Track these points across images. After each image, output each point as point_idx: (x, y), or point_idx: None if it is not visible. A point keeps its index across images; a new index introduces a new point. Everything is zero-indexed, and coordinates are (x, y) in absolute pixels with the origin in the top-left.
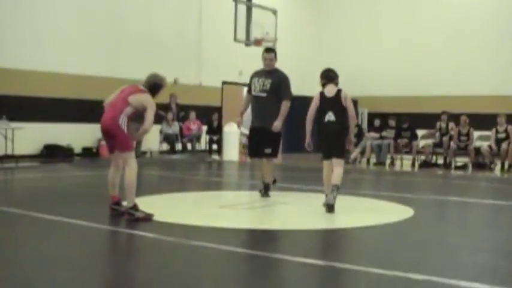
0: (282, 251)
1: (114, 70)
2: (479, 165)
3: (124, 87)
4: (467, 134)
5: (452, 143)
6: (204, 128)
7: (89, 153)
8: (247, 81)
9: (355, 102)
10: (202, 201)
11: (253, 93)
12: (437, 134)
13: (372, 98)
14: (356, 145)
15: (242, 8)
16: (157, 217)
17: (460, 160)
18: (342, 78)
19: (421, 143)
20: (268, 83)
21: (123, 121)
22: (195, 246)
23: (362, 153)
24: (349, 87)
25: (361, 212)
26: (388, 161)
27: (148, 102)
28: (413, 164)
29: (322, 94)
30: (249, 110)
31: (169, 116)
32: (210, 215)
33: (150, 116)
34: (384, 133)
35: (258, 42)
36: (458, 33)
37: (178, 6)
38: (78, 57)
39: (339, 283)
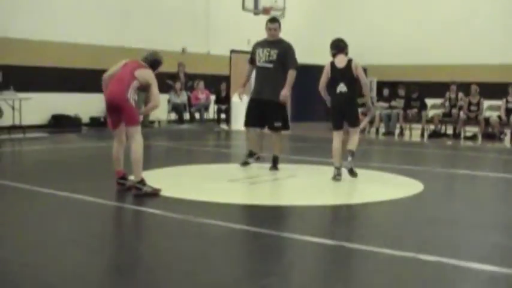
0: (290, 229)
1: (122, 39)
2: (488, 136)
3: (126, 62)
4: (478, 104)
5: (462, 113)
6: (212, 97)
7: (96, 123)
8: None
9: (363, 71)
10: (210, 174)
11: (257, 64)
12: (447, 104)
13: (380, 66)
14: (365, 115)
15: None
16: (165, 192)
17: (470, 130)
18: (351, 46)
19: (431, 113)
20: (274, 53)
21: (130, 95)
22: (203, 224)
23: (371, 122)
24: (358, 56)
25: (370, 187)
26: (397, 131)
27: (153, 78)
28: (422, 134)
29: (332, 64)
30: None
31: (178, 85)
32: (218, 189)
33: (156, 92)
34: (393, 103)
35: (266, 11)
36: (468, 0)
37: None
38: (86, 26)
39: (349, 265)
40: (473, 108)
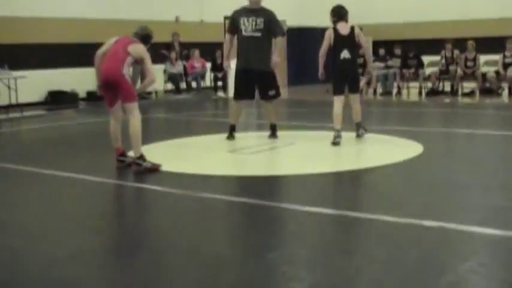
0: (291, 200)
1: (114, 11)
2: (486, 91)
3: (117, 38)
4: (474, 60)
5: (459, 70)
6: (208, 65)
7: (93, 98)
8: None
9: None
10: (209, 146)
11: (244, 33)
12: (443, 62)
13: (376, 25)
14: (362, 75)
15: None
16: (165, 167)
17: (467, 86)
18: (346, 6)
19: (428, 70)
20: (261, 21)
21: (126, 70)
22: (204, 199)
23: (368, 83)
24: (353, 15)
25: (370, 151)
26: (394, 91)
27: (145, 52)
28: (420, 93)
29: (336, 31)
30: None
31: (173, 55)
32: (218, 161)
33: (150, 66)
34: (390, 62)
35: None
36: None
37: None
38: (76, 0)
39: (351, 234)
40: (469, 64)
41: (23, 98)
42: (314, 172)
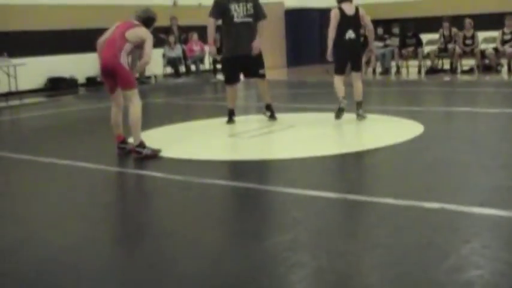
0: (293, 184)
1: None
2: (485, 68)
3: (118, 24)
4: (472, 37)
5: (457, 48)
6: (207, 48)
7: (92, 83)
8: None
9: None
10: (209, 130)
11: (236, 19)
12: (442, 40)
13: (374, 4)
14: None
15: None
16: (165, 152)
17: (466, 64)
18: None
19: (426, 49)
20: (250, 6)
21: (124, 58)
22: (205, 185)
23: (367, 63)
24: None
25: (370, 132)
26: (393, 69)
27: (147, 34)
28: (419, 71)
29: (341, 11)
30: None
31: (171, 39)
32: (218, 146)
33: (148, 47)
34: (388, 41)
35: None
36: None
37: None
38: None
39: (352, 218)
40: (468, 42)
41: (23, 85)
42: (315, 155)
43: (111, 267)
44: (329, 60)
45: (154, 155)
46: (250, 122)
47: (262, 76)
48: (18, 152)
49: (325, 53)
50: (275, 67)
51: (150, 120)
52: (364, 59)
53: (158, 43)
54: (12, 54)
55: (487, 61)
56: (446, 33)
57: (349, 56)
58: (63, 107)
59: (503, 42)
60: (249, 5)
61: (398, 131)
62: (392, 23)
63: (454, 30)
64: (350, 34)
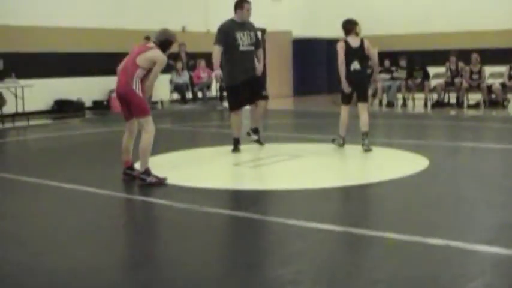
0: (296, 215)
1: (120, 21)
2: (491, 103)
3: (133, 49)
4: (479, 72)
5: (464, 82)
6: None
7: (99, 107)
8: None
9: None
10: (215, 158)
11: (241, 48)
12: (448, 74)
13: (381, 37)
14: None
15: None
16: (171, 180)
17: (473, 98)
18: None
19: (433, 82)
20: (253, 35)
21: (136, 85)
22: (209, 214)
23: (373, 95)
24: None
25: (375, 165)
26: (400, 102)
27: (158, 56)
28: (425, 104)
29: (347, 43)
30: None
31: (179, 65)
32: (223, 175)
33: (156, 70)
34: (396, 74)
35: None
36: None
37: None
38: (83, 10)
39: (356, 252)
40: (474, 76)
41: (30, 107)
42: (319, 187)
43: None
44: (345, 91)
45: (159, 183)
46: (255, 151)
47: (265, 98)
48: (23, 174)
49: (333, 84)
50: (281, 96)
51: (155, 146)
52: (370, 91)
53: (166, 69)
54: (20, 75)
55: (493, 96)
56: (453, 67)
57: (355, 87)
58: (70, 130)
59: (511, 77)
60: (252, 33)
61: (403, 164)
62: (399, 55)
63: (461, 64)
64: (355, 65)
